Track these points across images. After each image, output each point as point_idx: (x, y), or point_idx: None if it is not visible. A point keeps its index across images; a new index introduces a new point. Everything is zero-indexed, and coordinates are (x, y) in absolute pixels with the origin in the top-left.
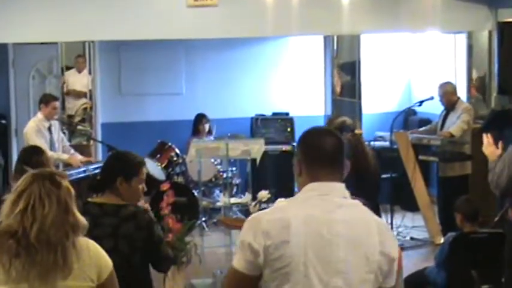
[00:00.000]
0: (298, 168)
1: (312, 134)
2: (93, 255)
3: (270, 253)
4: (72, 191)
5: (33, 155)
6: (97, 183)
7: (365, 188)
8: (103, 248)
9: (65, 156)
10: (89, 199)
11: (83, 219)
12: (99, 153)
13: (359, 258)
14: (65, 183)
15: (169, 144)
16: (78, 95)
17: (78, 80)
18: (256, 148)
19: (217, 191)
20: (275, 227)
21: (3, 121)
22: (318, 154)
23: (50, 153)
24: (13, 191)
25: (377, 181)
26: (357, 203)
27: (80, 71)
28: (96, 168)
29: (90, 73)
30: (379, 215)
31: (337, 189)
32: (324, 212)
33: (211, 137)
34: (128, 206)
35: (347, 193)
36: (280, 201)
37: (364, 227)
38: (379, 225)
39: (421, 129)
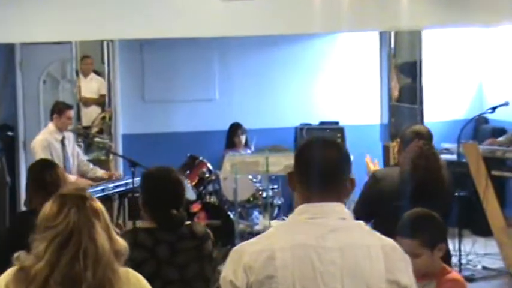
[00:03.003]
0: (291, 183)
1: (308, 146)
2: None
3: None
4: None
5: (44, 170)
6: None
7: (438, 208)
8: None
9: (99, 172)
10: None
11: (123, 242)
12: (120, 169)
13: None
14: (97, 202)
15: (201, 158)
16: (87, 102)
17: (85, 86)
18: None
19: (255, 213)
20: (259, 260)
21: (10, 133)
22: (311, 170)
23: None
24: (42, 224)
25: (451, 200)
26: (357, 224)
27: (85, 75)
28: (117, 186)
29: (109, 77)
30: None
31: (333, 210)
32: (313, 238)
33: (249, 150)
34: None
35: (347, 214)
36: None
37: (365, 253)
38: (384, 248)
39: (496, 139)
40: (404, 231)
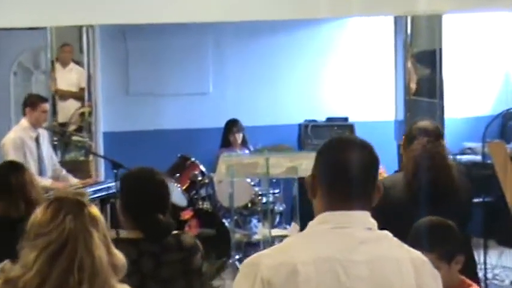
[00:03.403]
0: (311, 188)
1: (334, 147)
2: None
3: None
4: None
5: (10, 173)
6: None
7: (449, 215)
8: None
9: (73, 181)
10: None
11: (121, 256)
12: (101, 171)
13: None
14: (95, 209)
15: (192, 159)
16: (63, 96)
17: (63, 77)
18: (306, 164)
19: (254, 221)
20: (279, 275)
21: None
22: (338, 174)
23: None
24: (33, 231)
25: (467, 206)
26: (384, 234)
27: (64, 65)
28: (97, 191)
29: (89, 68)
30: (470, 252)
31: (359, 220)
32: (341, 251)
33: (247, 150)
34: None
35: (373, 223)
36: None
37: (394, 267)
38: (414, 262)
39: None
40: (418, 243)
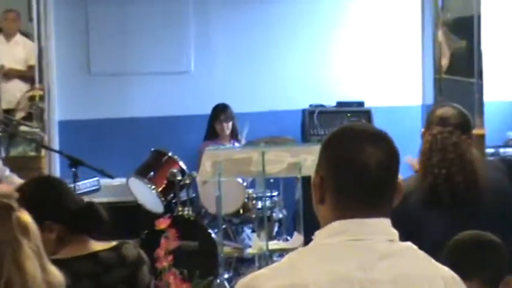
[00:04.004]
0: (318, 192)
1: (344, 138)
2: None
3: None
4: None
5: None
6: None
7: (475, 223)
8: None
9: (18, 182)
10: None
11: (58, 273)
12: (56, 169)
13: None
14: (26, 214)
15: (170, 154)
16: (8, 75)
17: (7, 52)
18: (311, 160)
19: (247, 231)
20: None
21: None
22: (354, 175)
23: None
24: None
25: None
26: (408, 246)
27: (8, 37)
28: None
29: (40, 41)
30: None
31: (379, 229)
32: (358, 268)
33: (238, 143)
34: None
35: (394, 233)
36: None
37: (423, 287)
38: (446, 281)
39: None
40: (454, 267)
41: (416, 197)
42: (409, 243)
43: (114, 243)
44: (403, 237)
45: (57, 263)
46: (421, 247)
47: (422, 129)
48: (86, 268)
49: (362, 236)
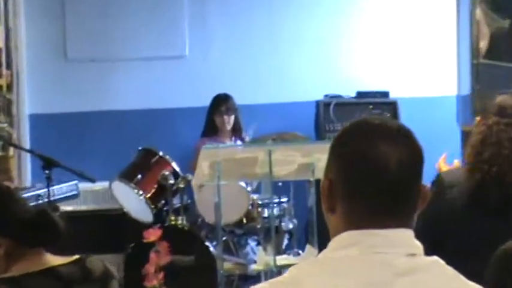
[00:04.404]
0: (328, 198)
1: (358, 135)
2: None
3: None
4: None
5: None
6: None
7: None
8: None
9: None
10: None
11: None
12: (26, 171)
13: None
14: None
15: (161, 154)
16: None
17: None
18: (326, 160)
19: (252, 243)
20: None
21: None
22: (368, 178)
23: None
24: None
25: None
26: (433, 261)
27: None
28: None
29: (7, 21)
30: None
31: (398, 242)
32: (371, 286)
33: (240, 140)
34: None
35: (417, 246)
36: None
37: None
38: None
39: None
40: (500, 282)
41: (457, 193)
42: (434, 258)
43: (75, 257)
44: (431, 241)
45: (7, 282)
46: (453, 254)
47: (478, 118)
48: (41, 285)
49: (376, 249)
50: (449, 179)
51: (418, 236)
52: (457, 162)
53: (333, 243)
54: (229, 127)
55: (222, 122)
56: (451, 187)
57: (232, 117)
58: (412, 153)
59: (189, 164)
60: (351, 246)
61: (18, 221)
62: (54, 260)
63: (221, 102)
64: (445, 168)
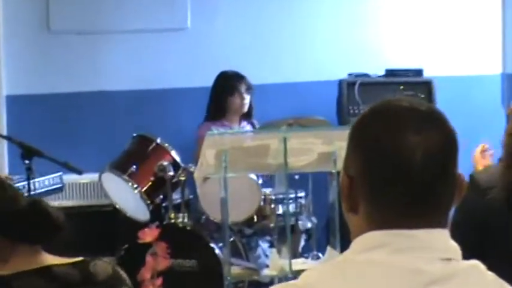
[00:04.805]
0: (348, 196)
1: (382, 121)
2: None
3: None
4: None
5: None
6: None
7: None
8: None
9: None
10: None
11: None
12: (3, 161)
13: None
14: None
15: (158, 141)
16: None
17: None
18: None
19: (263, 245)
20: None
21: None
22: (395, 172)
23: None
24: None
25: None
26: (473, 266)
27: None
28: None
29: None
30: None
31: (432, 244)
32: None
33: (249, 126)
34: None
35: (454, 248)
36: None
37: None
38: None
39: None
40: None
41: (497, 194)
42: (474, 262)
43: (78, 258)
44: (471, 246)
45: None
46: (494, 259)
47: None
48: (34, 286)
49: (405, 252)
50: (486, 179)
51: (455, 237)
52: (489, 153)
53: (356, 244)
54: (240, 110)
55: (240, 104)
56: (490, 188)
57: (246, 99)
58: (444, 142)
59: (193, 154)
60: (376, 248)
61: (6, 213)
62: (51, 259)
63: (239, 79)
64: (481, 161)
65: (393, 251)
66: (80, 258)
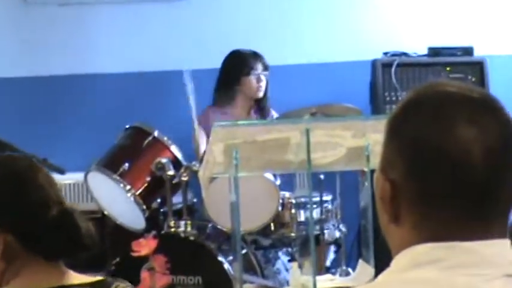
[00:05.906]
0: (389, 204)
1: (430, 112)
2: None
3: None
4: None
5: None
6: None
7: None
8: None
9: None
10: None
11: None
12: None
13: None
14: None
15: (156, 134)
16: None
17: None
18: None
19: (283, 258)
20: None
21: None
22: (448, 174)
23: None
24: None
25: None
26: None
27: None
28: None
29: None
30: None
31: (494, 258)
32: None
33: (265, 116)
34: None
35: None
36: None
37: None
38: None
39: None
40: None
41: None
42: None
43: (98, 277)
44: None
45: None
46: None
47: None
48: None
49: (462, 269)
50: None
51: None
52: None
53: (401, 260)
54: (261, 94)
55: (256, 86)
56: None
57: (263, 82)
58: (503, 133)
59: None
60: (427, 264)
61: (29, 219)
62: (68, 277)
63: (256, 57)
64: None
65: (447, 268)
66: (100, 278)
